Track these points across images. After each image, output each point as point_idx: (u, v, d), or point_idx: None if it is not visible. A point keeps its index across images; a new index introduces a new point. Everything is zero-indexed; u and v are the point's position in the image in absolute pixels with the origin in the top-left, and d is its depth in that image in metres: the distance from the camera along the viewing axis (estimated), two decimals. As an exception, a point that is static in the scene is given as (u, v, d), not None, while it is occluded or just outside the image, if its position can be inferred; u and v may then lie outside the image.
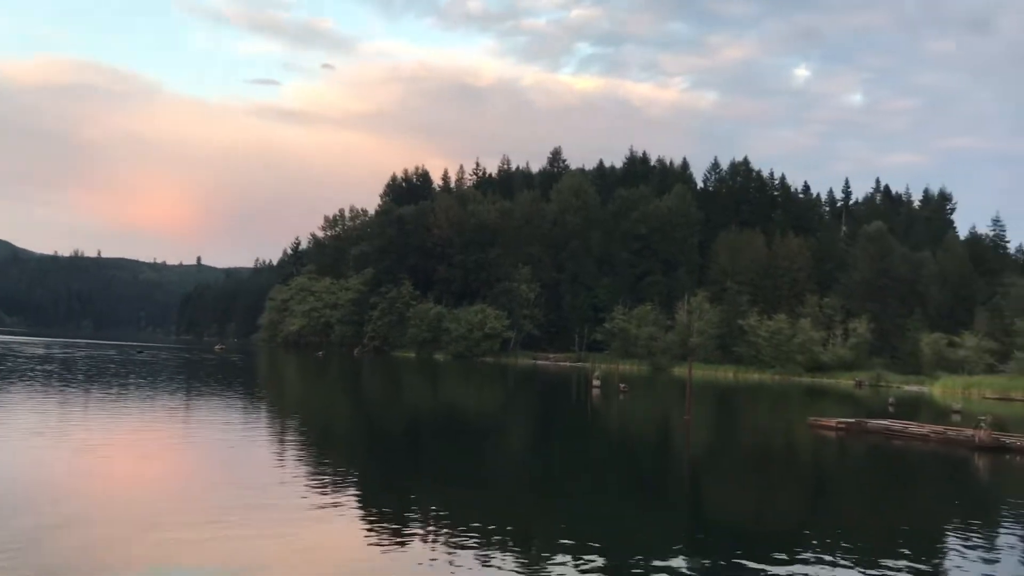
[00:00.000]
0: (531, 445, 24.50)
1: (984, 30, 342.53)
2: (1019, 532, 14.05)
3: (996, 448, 25.90)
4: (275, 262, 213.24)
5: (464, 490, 15.37)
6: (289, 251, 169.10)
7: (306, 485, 14.31)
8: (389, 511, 12.77)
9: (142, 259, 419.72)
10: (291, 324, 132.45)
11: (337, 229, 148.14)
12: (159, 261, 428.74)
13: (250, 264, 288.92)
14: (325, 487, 14.21)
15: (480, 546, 10.75)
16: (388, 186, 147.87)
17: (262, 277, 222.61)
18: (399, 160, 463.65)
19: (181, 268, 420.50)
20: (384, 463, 18.75)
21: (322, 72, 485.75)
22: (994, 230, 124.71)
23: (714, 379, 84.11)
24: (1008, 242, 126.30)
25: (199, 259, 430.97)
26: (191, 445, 19.46)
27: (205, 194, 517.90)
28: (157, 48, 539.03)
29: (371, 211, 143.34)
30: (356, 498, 13.64)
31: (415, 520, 12.21)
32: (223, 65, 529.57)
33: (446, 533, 11.39)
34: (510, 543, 11.05)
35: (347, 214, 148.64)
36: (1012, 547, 12.59)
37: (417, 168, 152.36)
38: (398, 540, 10.89)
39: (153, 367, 54.18)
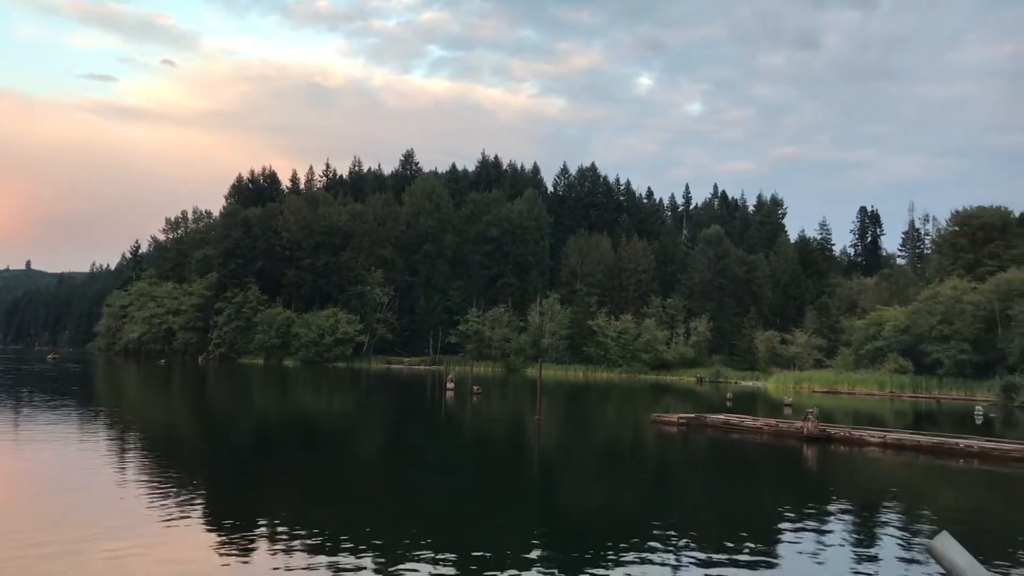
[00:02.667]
0: (384, 449, 24.42)
1: (811, 47, 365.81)
2: (844, 515, 15.20)
3: (822, 438, 27.86)
4: (113, 266, 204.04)
5: (315, 497, 15.21)
6: (128, 255, 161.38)
7: (150, 500, 13.78)
8: (238, 523, 12.48)
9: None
10: (131, 331, 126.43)
11: (179, 232, 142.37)
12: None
13: (85, 268, 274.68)
14: (170, 501, 13.73)
15: (332, 553, 10.70)
16: (233, 187, 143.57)
17: (98, 282, 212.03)
18: (245, 161, 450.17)
19: (8, 273, 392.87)
20: (232, 474, 18.28)
21: (162, 68, 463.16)
22: (821, 234, 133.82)
23: (565, 379, 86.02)
24: (833, 245, 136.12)
25: (28, 263, 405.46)
26: (24, 462, 18.34)
27: (34, 195, 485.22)
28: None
29: (216, 213, 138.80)
30: (203, 511, 13.25)
31: (265, 531, 11.99)
32: (52, 58, 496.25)
33: (297, 542, 11.26)
34: (363, 548, 11.04)
35: (190, 216, 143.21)
36: (838, 528, 13.62)
37: (264, 169, 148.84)
38: (248, 552, 10.69)
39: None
